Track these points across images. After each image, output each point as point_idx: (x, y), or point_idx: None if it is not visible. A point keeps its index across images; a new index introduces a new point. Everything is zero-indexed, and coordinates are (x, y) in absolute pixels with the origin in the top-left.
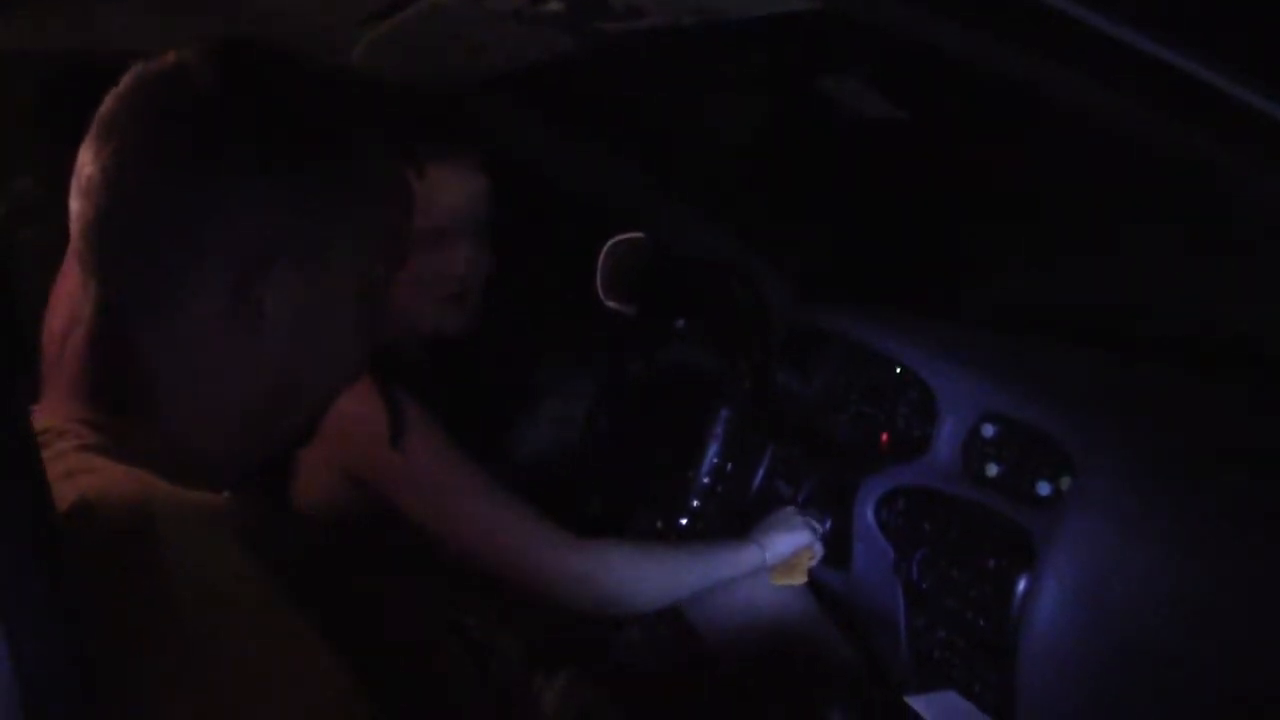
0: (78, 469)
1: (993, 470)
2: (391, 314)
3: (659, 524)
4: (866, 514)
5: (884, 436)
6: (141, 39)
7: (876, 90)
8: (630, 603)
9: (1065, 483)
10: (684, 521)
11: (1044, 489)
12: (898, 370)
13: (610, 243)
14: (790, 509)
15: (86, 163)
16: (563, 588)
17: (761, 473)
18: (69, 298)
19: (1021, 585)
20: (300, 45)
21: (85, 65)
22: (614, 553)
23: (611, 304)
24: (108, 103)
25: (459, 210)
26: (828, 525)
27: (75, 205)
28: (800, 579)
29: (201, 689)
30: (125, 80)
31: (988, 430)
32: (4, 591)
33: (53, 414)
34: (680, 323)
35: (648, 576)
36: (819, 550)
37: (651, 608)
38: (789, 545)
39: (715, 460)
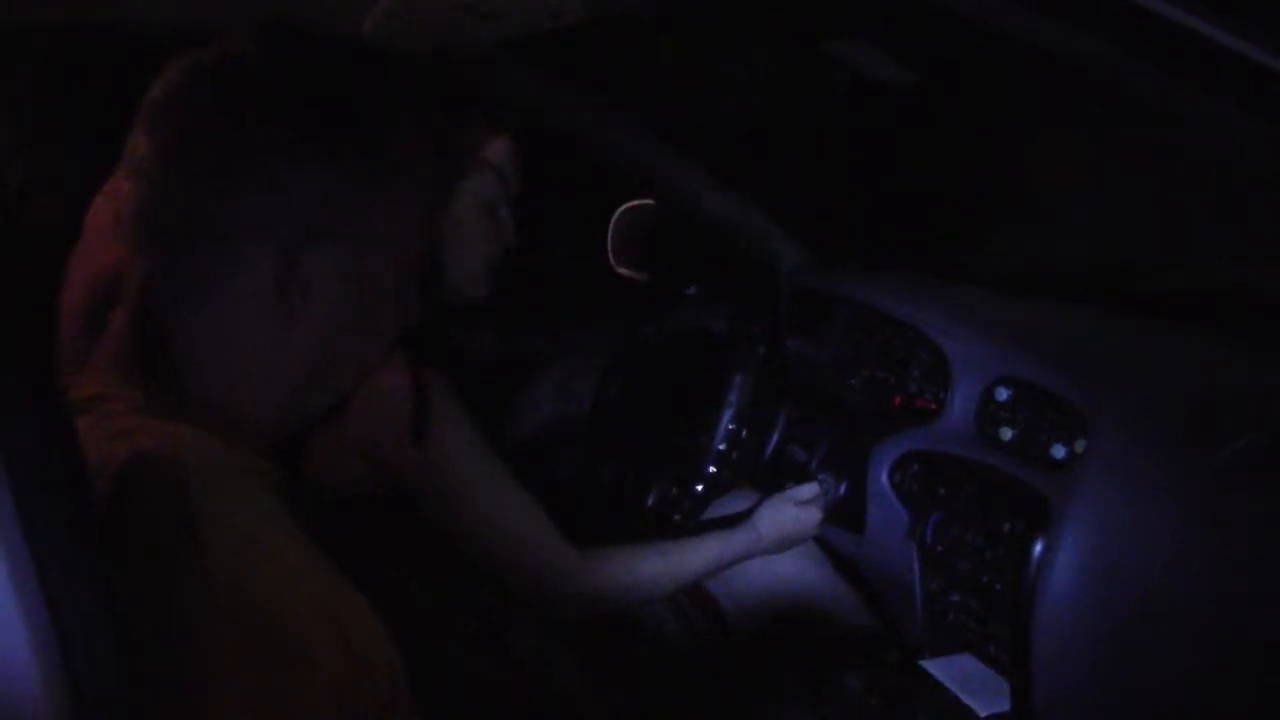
0: (130, 429)
1: (1007, 434)
2: (452, 283)
3: (674, 490)
4: (881, 478)
5: (897, 400)
6: (158, 9)
7: (886, 53)
8: (617, 609)
9: (1080, 445)
10: (700, 488)
11: (1059, 452)
12: (910, 334)
13: (620, 210)
14: (787, 492)
15: (141, 144)
16: (556, 602)
17: (776, 438)
18: (87, 271)
19: (1037, 549)
20: (310, 17)
21: (95, 41)
22: (608, 570)
23: (623, 271)
24: (159, 89)
25: (509, 182)
26: (842, 490)
27: (127, 186)
28: None
29: (250, 640)
30: (175, 67)
31: (1001, 393)
32: (45, 562)
33: (98, 382)
34: (691, 288)
35: (637, 586)
36: (814, 528)
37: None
38: (786, 526)
39: (730, 426)
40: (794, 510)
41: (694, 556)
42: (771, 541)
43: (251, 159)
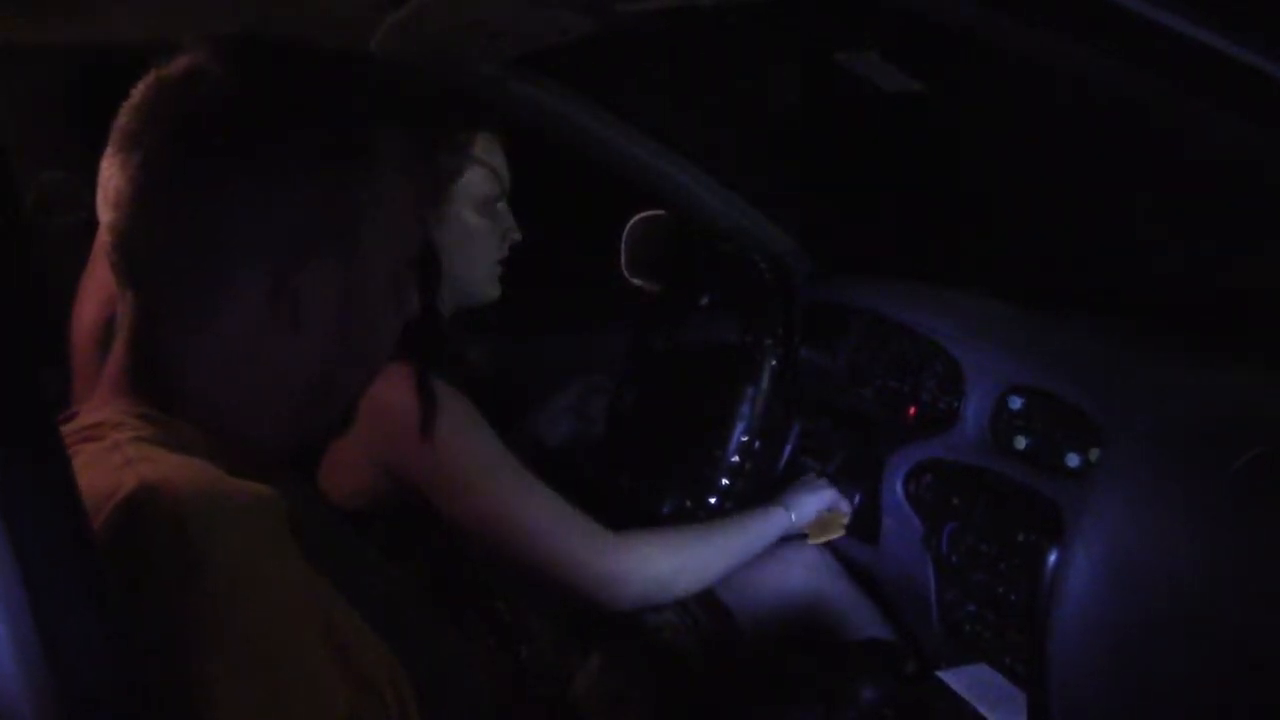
0: (136, 458)
1: (1020, 443)
2: (464, 285)
3: (688, 503)
4: (895, 488)
5: (911, 410)
6: (169, 29)
7: (895, 64)
8: (668, 594)
9: (1094, 454)
10: (713, 500)
11: (1072, 461)
12: (923, 343)
13: (633, 220)
14: (810, 474)
15: (113, 176)
16: (599, 588)
17: (789, 449)
18: (99, 291)
19: (1051, 558)
20: (319, 33)
21: (114, 57)
22: (650, 546)
23: (636, 281)
24: (126, 113)
25: (503, 176)
26: (856, 500)
27: (106, 218)
28: (837, 533)
29: (257, 672)
30: (141, 88)
31: (1015, 402)
32: (39, 586)
33: (104, 408)
34: (704, 299)
35: (684, 566)
36: (845, 506)
37: (688, 593)
38: (813, 505)
39: (743, 438)
40: (816, 483)
41: (735, 536)
42: (803, 516)
43: (226, 184)
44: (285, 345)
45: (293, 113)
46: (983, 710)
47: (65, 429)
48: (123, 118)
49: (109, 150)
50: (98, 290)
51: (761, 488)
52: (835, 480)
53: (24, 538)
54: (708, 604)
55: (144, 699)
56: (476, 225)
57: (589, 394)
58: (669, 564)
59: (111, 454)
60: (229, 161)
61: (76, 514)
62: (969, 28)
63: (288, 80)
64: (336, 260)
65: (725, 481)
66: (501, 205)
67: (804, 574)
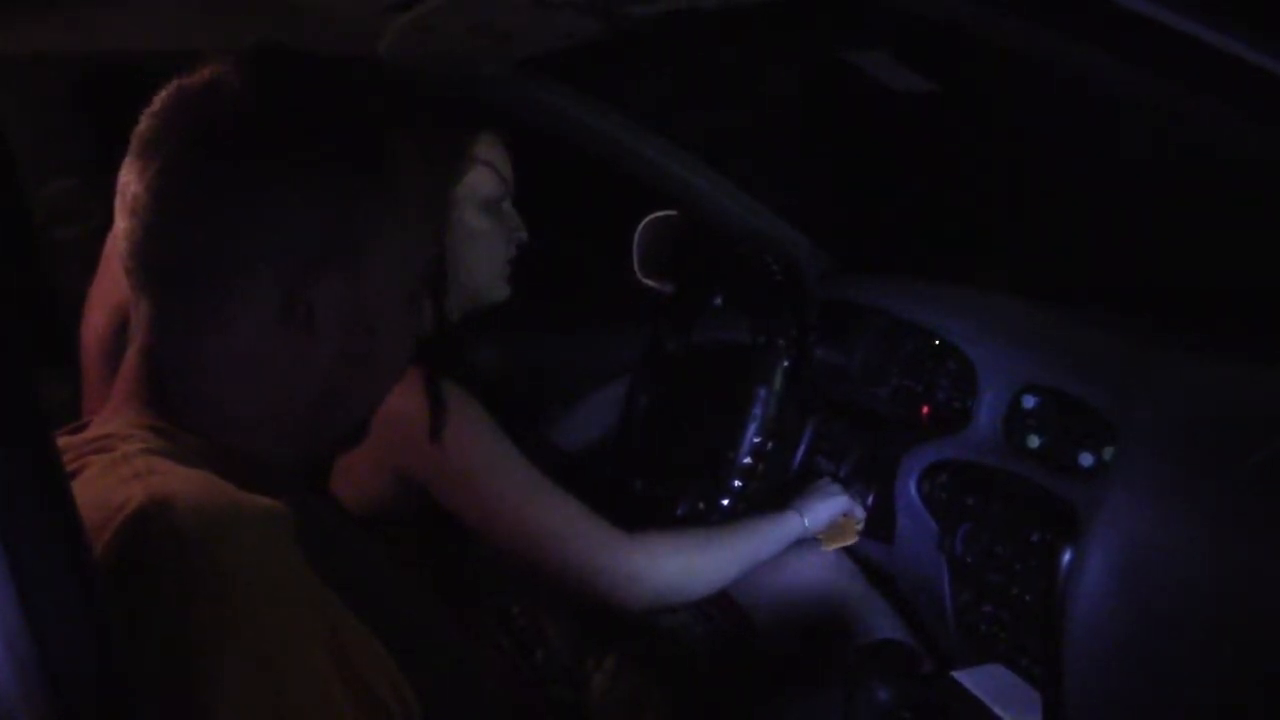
0: (145, 471)
1: (1034, 442)
2: (471, 288)
3: (701, 505)
4: (909, 488)
5: (925, 409)
6: (177, 38)
7: (903, 63)
8: (681, 596)
9: (1108, 453)
10: (726, 502)
11: (1086, 460)
12: (937, 342)
13: (645, 221)
14: (825, 479)
15: (131, 182)
16: (613, 588)
17: (803, 450)
18: (108, 299)
19: (1066, 558)
20: (326, 38)
21: (123, 66)
22: (663, 547)
23: (648, 282)
24: (146, 120)
25: (509, 177)
26: (871, 500)
27: (122, 224)
28: (850, 539)
29: (264, 687)
30: (162, 97)
31: (1029, 401)
32: (33, 596)
33: (114, 420)
34: (717, 299)
35: (698, 568)
36: (859, 512)
37: (702, 596)
38: (827, 511)
39: (756, 439)
40: (829, 488)
41: (749, 540)
42: (817, 521)
43: (242, 193)
44: (296, 355)
45: (309, 121)
46: (998, 711)
47: (75, 440)
48: (143, 124)
49: (128, 157)
50: (106, 298)
51: (775, 489)
52: (849, 481)
53: (19, 550)
54: (723, 604)
55: (140, 711)
56: (482, 227)
57: (606, 402)
58: (682, 566)
59: (120, 466)
60: (246, 169)
61: (72, 525)
62: (975, 27)
63: (304, 89)
64: (349, 270)
65: (738, 483)
66: (506, 205)
67: (819, 575)
